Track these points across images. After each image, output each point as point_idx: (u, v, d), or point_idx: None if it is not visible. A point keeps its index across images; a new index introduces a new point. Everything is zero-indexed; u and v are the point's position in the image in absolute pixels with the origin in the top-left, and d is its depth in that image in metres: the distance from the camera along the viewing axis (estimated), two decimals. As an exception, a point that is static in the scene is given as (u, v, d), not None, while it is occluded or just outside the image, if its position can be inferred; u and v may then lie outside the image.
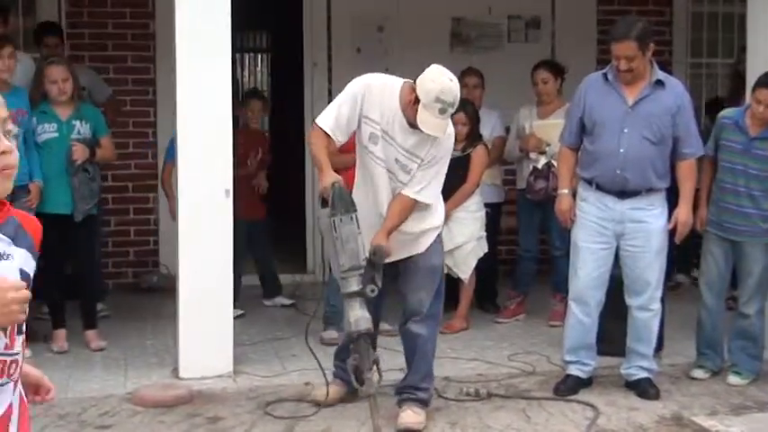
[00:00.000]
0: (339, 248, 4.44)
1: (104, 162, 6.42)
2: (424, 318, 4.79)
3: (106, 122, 6.37)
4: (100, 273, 7.11)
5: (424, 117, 4.42)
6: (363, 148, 4.68)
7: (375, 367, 4.45)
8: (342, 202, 4.46)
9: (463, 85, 6.95)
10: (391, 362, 5.18)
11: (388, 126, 4.58)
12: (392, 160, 4.61)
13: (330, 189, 4.48)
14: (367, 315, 4.44)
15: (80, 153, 5.95)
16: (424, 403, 4.85)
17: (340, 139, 4.65)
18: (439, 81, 4.41)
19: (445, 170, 4.76)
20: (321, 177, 4.59)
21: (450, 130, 4.68)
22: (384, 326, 5.73)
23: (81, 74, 6.87)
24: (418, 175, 4.62)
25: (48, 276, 6.16)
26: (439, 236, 4.87)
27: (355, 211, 4.48)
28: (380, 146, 4.60)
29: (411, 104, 4.48)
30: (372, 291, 4.44)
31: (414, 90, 4.46)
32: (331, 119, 4.62)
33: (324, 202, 4.56)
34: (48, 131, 5.96)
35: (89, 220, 6.08)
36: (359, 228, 4.46)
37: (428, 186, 4.67)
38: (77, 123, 6.00)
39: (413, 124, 4.50)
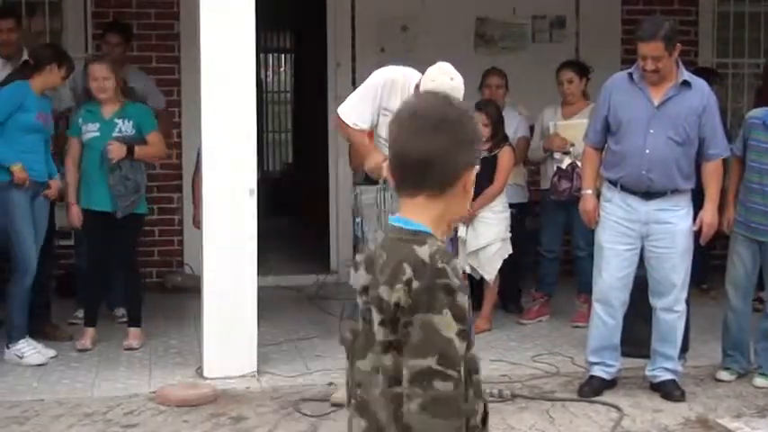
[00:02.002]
0: (384, 221, 4.54)
1: (152, 159, 6.41)
2: None
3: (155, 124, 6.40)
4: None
5: None
6: (383, 140, 4.73)
7: None
8: None
9: (486, 86, 6.99)
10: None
11: None
12: None
13: (384, 165, 4.57)
14: None
15: (115, 152, 5.98)
16: None
17: (363, 127, 4.75)
18: (439, 81, 4.44)
19: None
20: (369, 157, 4.70)
21: None
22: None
23: (137, 79, 6.95)
24: None
25: (89, 272, 6.22)
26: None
27: None
28: None
29: None
30: None
31: (418, 88, 4.50)
32: (353, 111, 4.75)
33: (367, 179, 4.63)
34: (91, 131, 6.04)
35: (132, 218, 6.11)
36: None
37: None
38: (119, 122, 6.06)
39: None
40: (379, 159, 4.60)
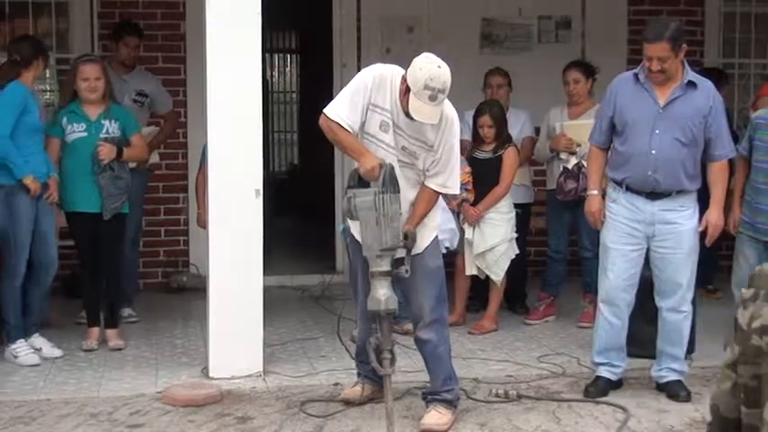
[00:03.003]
0: (384, 225, 4.47)
1: (136, 161, 6.43)
2: (428, 324, 4.80)
3: (139, 124, 6.40)
4: (133, 274, 7.11)
5: (416, 105, 4.46)
6: (371, 137, 4.68)
7: (391, 350, 4.52)
8: (392, 182, 4.54)
9: (488, 86, 6.99)
10: (420, 363, 5.17)
11: (395, 115, 4.63)
12: (400, 147, 4.67)
13: (380, 168, 4.53)
14: (395, 296, 4.52)
15: (106, 152, 5.96)
16: (449, 403, 4.84)
17: (354, 128, 4.66)
18: (426, 68, 4.43)
19: (458, 154, 4.84)
20: (363, 160, 4.58)
21: (452, 113, 4.69)
22: (410, 326, 5.72)
23: (146, 80, 6.95)
24: (439, 166, 4.69)
25: (84, 274, 6.23)
26: (436, 238, 4.89)
27: (400, 192, 4.56)
28: (391, 134, 4.64)
29: (403, 94, 4.52)
30: (407, 271, 4.59)
31: (405, 80, 4.48)
32: (344, 112, 4.62)
33: (360, 181, 4.59)
34: (77, 131, 6.00)
35: (118, 219, 6.10)
36: (401, 210, 4.54)
37: (451, 176, 4.75)
38: (106, 123, 6.03)
39: (408, 113, 4.54)
40: (374, 162, 4.54)
